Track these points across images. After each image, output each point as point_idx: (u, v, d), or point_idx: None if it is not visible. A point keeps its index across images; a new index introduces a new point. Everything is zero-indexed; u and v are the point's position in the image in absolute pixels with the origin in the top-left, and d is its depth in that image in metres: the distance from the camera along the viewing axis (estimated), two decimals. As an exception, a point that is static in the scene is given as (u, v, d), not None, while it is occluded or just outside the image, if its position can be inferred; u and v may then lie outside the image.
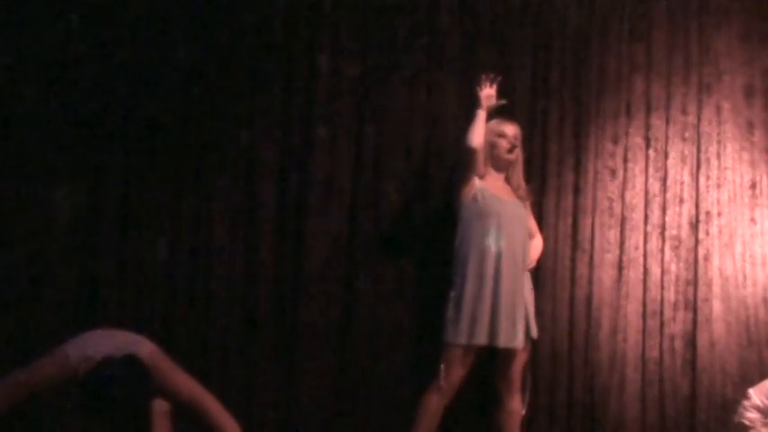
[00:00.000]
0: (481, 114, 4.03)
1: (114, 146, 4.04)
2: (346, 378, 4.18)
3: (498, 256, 3.96)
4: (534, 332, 4.09)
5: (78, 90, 3.99)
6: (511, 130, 4.15)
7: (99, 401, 2.52)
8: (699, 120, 4.61)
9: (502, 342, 3.95)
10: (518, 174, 4.20)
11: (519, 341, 3.99)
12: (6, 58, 3.94)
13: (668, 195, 4.55)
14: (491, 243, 3.96)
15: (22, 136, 3.93)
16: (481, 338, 3.93)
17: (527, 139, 4.37)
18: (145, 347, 2.84)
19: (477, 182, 4.05)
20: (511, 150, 4.13)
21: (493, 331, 3.94)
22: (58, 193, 3.94)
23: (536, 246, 4.24)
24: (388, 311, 4.25)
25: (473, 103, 4.10)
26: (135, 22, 4.09)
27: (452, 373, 3.92)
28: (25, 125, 3.94)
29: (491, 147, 4.11)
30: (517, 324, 3.98)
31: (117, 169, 4.03)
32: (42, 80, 3.98)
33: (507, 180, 4.18)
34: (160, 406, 2.88)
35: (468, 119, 4.10)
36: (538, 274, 4.35)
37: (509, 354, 4.02)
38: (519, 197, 4.16)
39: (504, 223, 4.00)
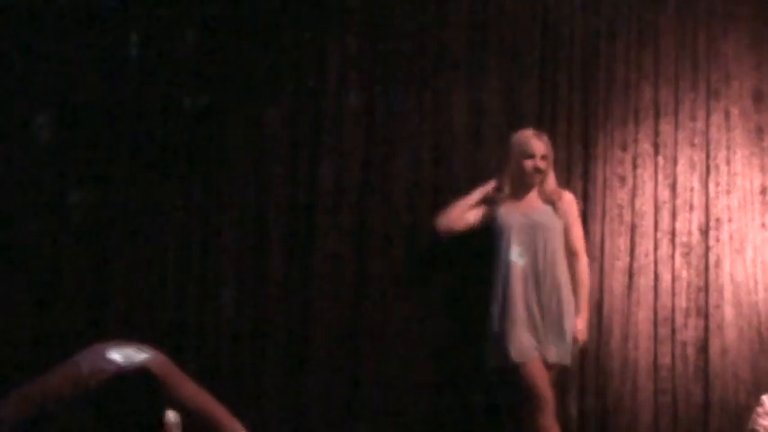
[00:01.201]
0: (474, 195, 4.02)
1: (124, 151, 4.03)
2: (357, 384, 4.17)
3: (524, 271, 3.89)
4: (560, 357, 3.97)
5: (86, 95, 4.00)
6: (539, 148, 4.04)
7: (112, 414, 2.52)
8: (708, 126, 4.60)
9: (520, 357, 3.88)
10: (550, 181, 4.10)
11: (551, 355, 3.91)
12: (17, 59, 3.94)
13: (678, 202, 4.53)
14: (514, 259, 3.90)
15: (34, 141, 3.93)
16: (516, 355, 3.86)
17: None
18: (156, 359, 2.83)
19: (492, 204, 4.03)
20: (536, 172, 4.03)
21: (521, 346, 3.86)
22: (70, 197, 3.94)
23: (581, 268, 4.09)
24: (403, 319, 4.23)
25: (481, 111, 4.11)
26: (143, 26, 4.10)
27: (538, 389, 3.86)
28: (37, 131, 3.94)
29: (517, 166, 4.04)
30: (544, 339, 3.90)
31: (126, 174, 4.03)
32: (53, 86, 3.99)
33: (540, 188, 4.10)
34: (171, 417, 2.88)
35: (476, 127, 4.11)
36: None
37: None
38: (552, 203, 4.03)
39: (525, 238, 3.93)
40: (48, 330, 3.85)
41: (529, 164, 4.00)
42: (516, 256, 3.87)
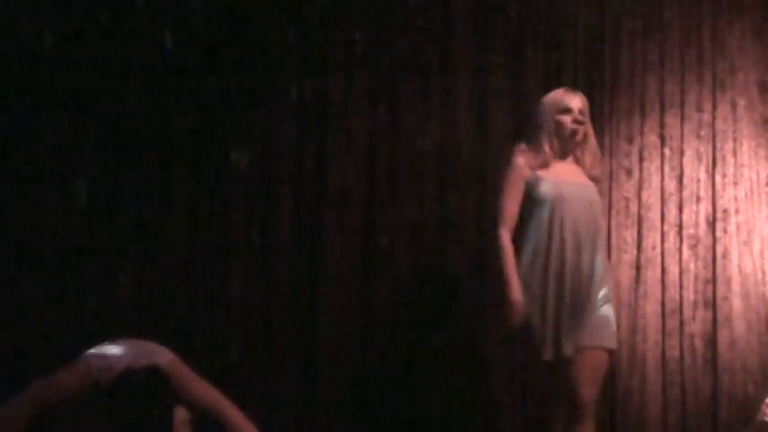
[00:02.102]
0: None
1: (130, 143, 4.02)
2: (366, 386, 4.15)
3: (574, 251, 3.40)
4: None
5: (91, 97, 3.99)
6: (576, 102, 3.50)
7: (122, 411, 2.52)
8: (714, 117, 4.59)
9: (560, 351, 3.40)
10: (591, 150, 3.56)
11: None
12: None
13: (685, 194, 4.52)
14: (567, 236, 3.39)
15: (39, 141, 3.92)
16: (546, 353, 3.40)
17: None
18: (165, 357, 2.82)
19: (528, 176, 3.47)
20: (576, 130, 3.48)
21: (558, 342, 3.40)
22: (75, 190, 3.93)
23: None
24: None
25: (486, 105, 4.09)
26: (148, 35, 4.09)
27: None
28: (42, 131, 3.94)
29: (555, 125, 3.49)
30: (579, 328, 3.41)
31: (133, 169, 4.02)
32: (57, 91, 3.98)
33: (577, 161, 3.57)
34: (181, 415, 2.87)
35: (482, 121, 4.10)
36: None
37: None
38: (593, 178, 3.56)
39: (568, 210, 3.40)
40: (55, 327, 3.84)
41: (567, 119, 3.46)
42: (569, 234, 3.39)
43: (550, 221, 3.42)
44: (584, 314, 3.40)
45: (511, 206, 3.47)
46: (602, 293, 3.48)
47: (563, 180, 3.46)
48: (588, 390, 3.36)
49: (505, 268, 3.41)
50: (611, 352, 3.47)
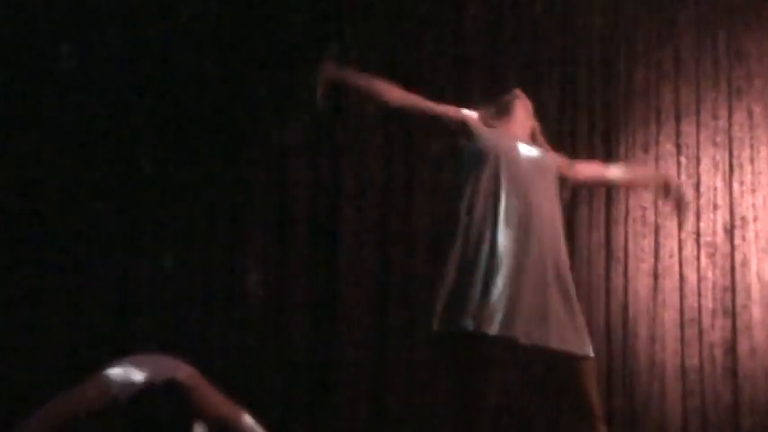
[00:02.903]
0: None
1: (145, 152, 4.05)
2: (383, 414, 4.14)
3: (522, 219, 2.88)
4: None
5: (93, 111, 4.02)
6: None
7: (141, 427, 2.53)
8: (730, 124, 4.56)
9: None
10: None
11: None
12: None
13: (702, 202, 4.50)
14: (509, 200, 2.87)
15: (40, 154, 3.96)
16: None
17: (557, 150, 4.34)
18: (184, 371, 2.84)
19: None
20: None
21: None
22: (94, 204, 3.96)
23: None
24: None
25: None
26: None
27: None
28: (46, 143, 3.97)
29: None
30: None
31: (148, 182, 4.05)
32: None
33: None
34: (199, 429, 2.88)
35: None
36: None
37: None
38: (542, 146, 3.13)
39: (520, 174, 2.92)
40: (75, 340, 3.86)
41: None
42: (511, 197, 2.87)
43: (495, 177, 2.91)
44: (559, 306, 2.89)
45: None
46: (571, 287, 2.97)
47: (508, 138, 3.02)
48: (597, 398, 3.02)
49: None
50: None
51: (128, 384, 2.68)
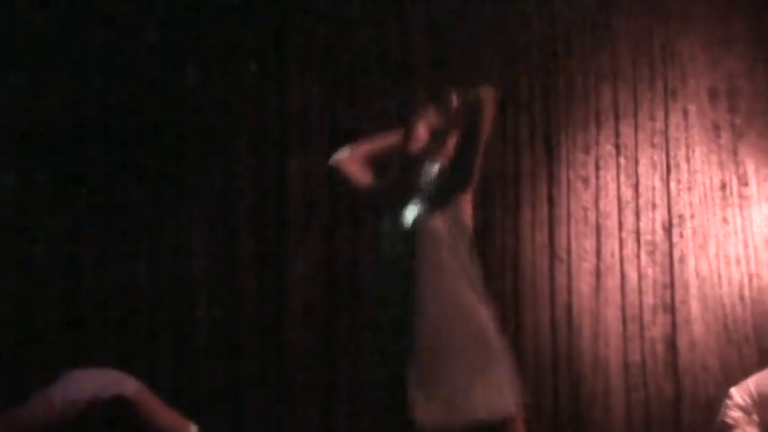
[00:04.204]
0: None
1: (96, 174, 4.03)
2: (336, 411, 4.16)
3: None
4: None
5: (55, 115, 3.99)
6: None
7: (87, 446, 2.53)
8: (666, 125, 4.68)
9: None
10: None
11: None
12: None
13: (641, 201, 4.61)
14: None
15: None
16: None
17: (500, 154, 4.44)
18: (130, 386, 2.84)
19: None
20: None
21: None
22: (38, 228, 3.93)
23: None
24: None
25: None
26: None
27: None
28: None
29: None
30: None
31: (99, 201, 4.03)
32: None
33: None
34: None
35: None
36: (517, 285, 4.39)
37: None
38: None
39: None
40: (20, 354, 3.83)
41: None
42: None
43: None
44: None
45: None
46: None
47: None
48: None
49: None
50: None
51: (72, 402, 2.68)
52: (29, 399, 2.82)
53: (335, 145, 4.23)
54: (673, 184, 4.63)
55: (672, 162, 4.65)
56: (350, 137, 4.26)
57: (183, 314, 4.04)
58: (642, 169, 4.64)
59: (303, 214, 4.23)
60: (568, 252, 4.53)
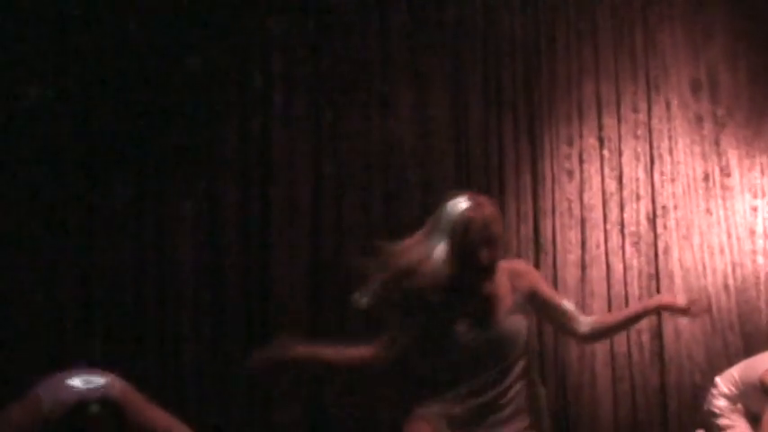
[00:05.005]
0: None
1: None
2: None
3: None
4: None
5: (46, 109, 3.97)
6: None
7: (74, 447, 2.52)
8: (649, 117, 4.71)
9: None
10: None
11: None
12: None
13: (625, 193, 4.63)
14: None
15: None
16: None
17: (484, 147, 4.45)
18: (116, 386, 2.83)
19: None
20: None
21: None
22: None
23: None
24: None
25: (426, 117, 4.16)
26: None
27: None
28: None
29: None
30: None
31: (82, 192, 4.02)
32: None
33: None
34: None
35: (424, 130, 4.18)
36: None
37: None
38: None
39: None
40: (4, 356, 3.82)
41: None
42: None
43: None
44: None
45: None
46: None
47: None
48: None
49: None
50: None
51: (59, 403, 2.66)
52: (14, 401, 2.81)
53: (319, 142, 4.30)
54: (656, 176, 4.66)
55: (655, 153, 4.68)
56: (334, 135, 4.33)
57: (169, 315, 4.04)
58: (626, 161, 4.66)
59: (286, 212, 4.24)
60: (553, 244, 4.55)
